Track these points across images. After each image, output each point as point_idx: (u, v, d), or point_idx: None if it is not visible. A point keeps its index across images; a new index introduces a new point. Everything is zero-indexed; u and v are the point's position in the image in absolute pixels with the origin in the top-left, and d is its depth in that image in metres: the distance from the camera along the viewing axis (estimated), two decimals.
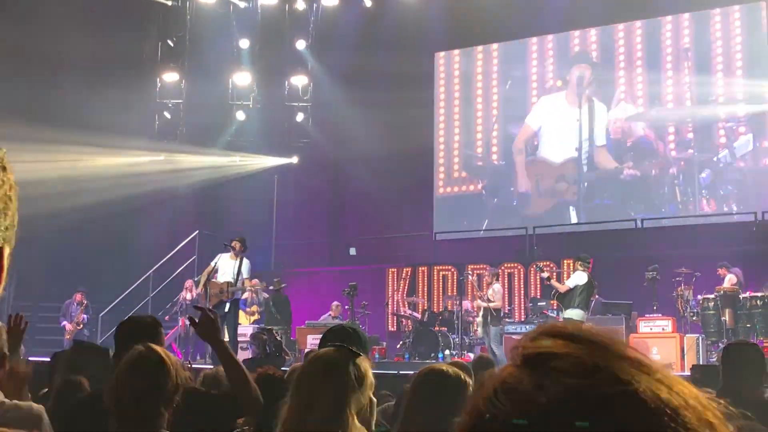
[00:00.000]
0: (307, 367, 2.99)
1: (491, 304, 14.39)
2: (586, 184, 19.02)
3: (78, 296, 17.76)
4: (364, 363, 2.95)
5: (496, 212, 19.86)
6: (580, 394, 0.78)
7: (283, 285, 16.45)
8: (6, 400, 3.35)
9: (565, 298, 13.42)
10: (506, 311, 15.52)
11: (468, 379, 3.37)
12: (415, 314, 17.07)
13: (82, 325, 17.53)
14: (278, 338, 13.51)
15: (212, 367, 6.65)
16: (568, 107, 19.50)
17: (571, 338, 0.83)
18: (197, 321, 3.90)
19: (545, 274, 14.75)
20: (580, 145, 19.18)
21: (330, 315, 16.69)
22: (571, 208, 19.11)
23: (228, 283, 13.65)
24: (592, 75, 19.37)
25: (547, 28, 19.54)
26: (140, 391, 2.96)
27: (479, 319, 14.70)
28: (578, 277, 13.36)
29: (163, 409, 2.99)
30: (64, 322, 17.59)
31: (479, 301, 15.14)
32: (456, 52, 20.95)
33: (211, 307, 13.52)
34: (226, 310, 13.60)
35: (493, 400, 0.82)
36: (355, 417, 2.84)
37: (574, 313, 13.00)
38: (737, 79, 17.71)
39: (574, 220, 18.97)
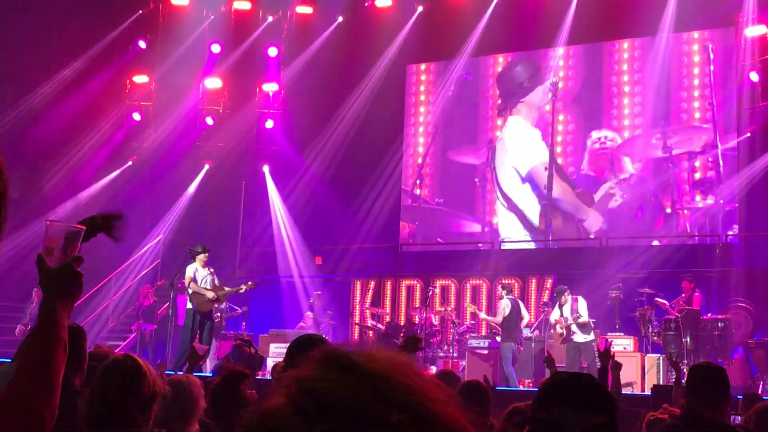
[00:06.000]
0: None
1: (491, 320, 14.56)
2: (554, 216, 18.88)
3: (34, 294, 17.33)
4: None
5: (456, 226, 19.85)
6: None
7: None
8: None
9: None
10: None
11: None
12: (378, 325, 17.03)
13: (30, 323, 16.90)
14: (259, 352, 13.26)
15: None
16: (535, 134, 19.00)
17: (344, 368, 0.87)
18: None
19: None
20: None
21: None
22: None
23: (218, 291, 13.58)
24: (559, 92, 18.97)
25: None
26: (112, 395, 2.92)
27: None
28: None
29: (139, 415, 2.94)
30: (19, 326, 17.00)
31: (482, 314, 15.35)
32: (430, 65, 20.82)
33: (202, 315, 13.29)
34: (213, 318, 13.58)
35: (252, 427, 0.86)
36: None
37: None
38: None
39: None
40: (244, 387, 4.28)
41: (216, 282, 13.63)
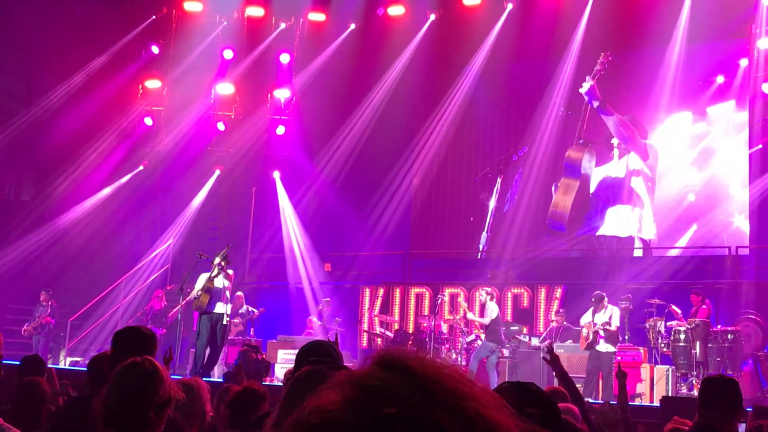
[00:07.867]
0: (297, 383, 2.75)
1: (479, 320, 14.58)
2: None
3: (42, 297, 17.38)
4: None
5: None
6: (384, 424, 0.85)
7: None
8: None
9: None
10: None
11: None
12: (387, 333, 17.03)
13: (39, 327, 16.94)
14: (265, 357, 13.12)
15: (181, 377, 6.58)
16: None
17: (397, 369, 0.89)
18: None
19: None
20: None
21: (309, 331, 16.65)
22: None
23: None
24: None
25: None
26: (129, 395, 2.95)
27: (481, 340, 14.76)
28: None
29: (154, 416, 2.96)
30: (26, 325, 17.11)
31: (470, 314, 15.33)
32: (442, 73, 20.77)
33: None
34: (224, 322, 13.34)
35: (305, 420, 0.87)
36: None
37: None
38: None
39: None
40: (264, 406, 4.29)
41: (223, 283, 13.22)
